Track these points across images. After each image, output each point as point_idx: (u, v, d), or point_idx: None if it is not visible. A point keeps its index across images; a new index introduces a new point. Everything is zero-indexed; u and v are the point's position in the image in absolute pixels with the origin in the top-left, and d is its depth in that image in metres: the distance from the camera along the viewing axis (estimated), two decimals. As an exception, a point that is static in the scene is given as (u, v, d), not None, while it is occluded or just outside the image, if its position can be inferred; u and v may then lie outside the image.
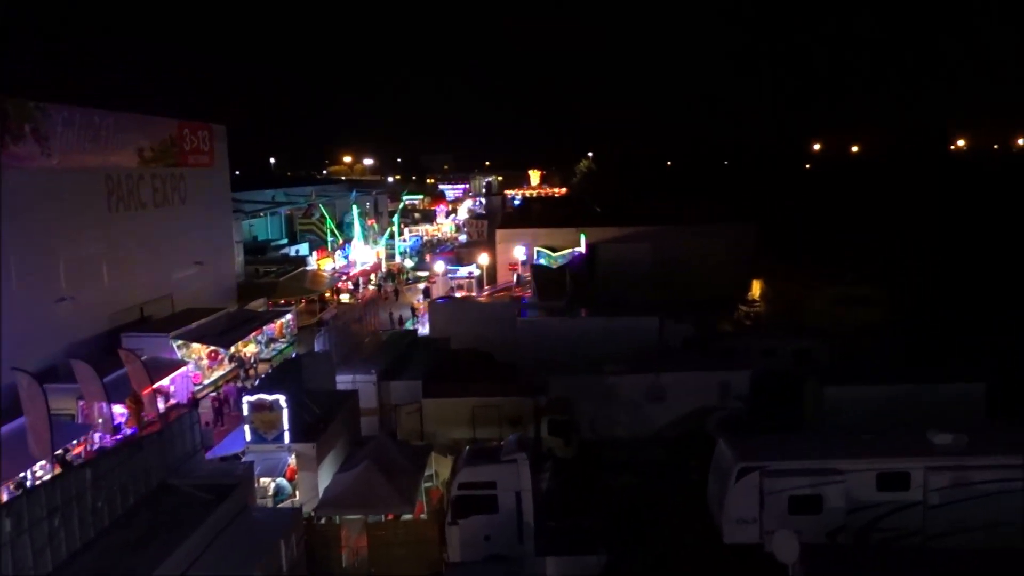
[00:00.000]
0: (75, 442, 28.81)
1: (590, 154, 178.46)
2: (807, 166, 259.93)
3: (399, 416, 28.83)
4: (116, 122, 42.91)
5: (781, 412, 29.90)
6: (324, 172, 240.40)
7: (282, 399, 24.43)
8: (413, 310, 55.37)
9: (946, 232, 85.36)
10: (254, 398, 24.65)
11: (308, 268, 63.95)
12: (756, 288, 52.65)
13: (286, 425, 24.44)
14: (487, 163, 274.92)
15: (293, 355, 39.64)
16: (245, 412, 24.78)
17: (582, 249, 56.30)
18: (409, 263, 78.49)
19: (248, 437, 24.71)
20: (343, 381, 31.02)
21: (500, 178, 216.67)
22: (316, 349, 32.13)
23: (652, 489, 26.34)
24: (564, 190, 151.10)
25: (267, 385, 26.32)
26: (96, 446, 29.62)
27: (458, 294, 57.10)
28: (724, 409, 31.07)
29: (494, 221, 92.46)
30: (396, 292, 65.72)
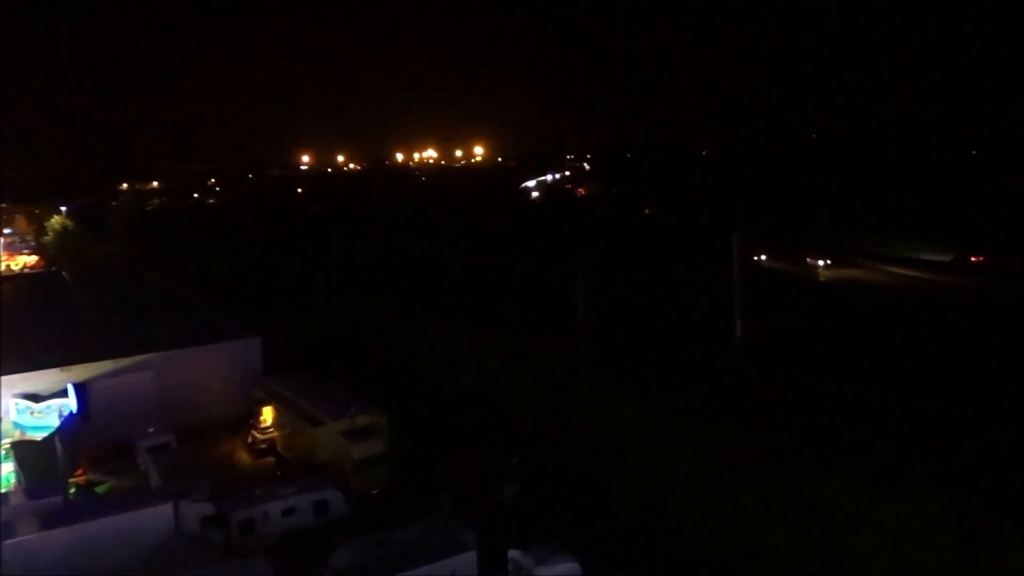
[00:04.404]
0: None
1: (63, 208, 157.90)
2: (299, 190, 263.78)
3: None
4: None
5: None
6: None
7: None
8: None
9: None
10: None
11: None
12: (268, 415, 53.34)
13: None
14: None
15: None
16: None
17: (73, 406, 50.83)
18: None
19: None
20: None
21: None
22: None
23: None
24: (36, 259, 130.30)
25: None
26: None
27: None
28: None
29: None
30: None
